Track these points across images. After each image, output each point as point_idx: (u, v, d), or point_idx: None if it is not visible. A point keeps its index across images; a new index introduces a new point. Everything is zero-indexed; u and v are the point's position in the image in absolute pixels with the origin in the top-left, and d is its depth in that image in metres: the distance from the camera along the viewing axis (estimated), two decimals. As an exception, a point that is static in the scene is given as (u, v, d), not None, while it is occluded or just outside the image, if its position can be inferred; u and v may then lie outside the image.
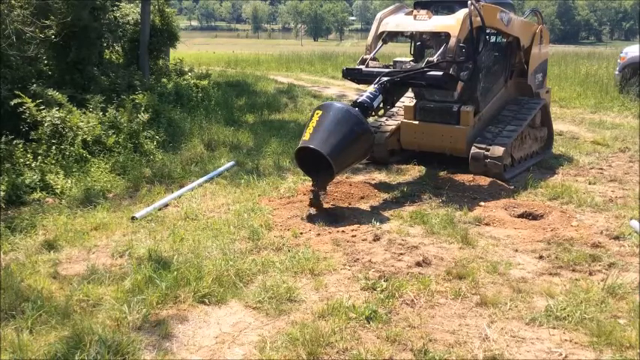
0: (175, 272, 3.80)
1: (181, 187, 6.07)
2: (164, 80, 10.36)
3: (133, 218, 5.05)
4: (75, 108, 7.04)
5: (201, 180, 6.23)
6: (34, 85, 7.07)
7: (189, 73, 11.77)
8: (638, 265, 4.12)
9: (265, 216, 5.11)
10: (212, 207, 5.43)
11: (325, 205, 5.47)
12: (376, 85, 5.84)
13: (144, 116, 7.48)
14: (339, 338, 3.10)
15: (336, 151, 5.11)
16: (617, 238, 4.66)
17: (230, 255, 4.17)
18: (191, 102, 10.18)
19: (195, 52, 27.48)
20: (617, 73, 13.08)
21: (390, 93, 6.04)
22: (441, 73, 5.72)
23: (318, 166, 5.30)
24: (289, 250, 4.36)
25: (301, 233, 4.76)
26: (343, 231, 4.81)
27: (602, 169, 6.95)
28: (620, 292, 3.64)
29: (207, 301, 3.56)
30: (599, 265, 4.13)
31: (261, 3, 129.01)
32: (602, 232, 4.77)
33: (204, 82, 11.48)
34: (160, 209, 5.34)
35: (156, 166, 6.70)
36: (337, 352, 3.00)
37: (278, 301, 3.55)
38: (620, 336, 3.11)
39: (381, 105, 5.97)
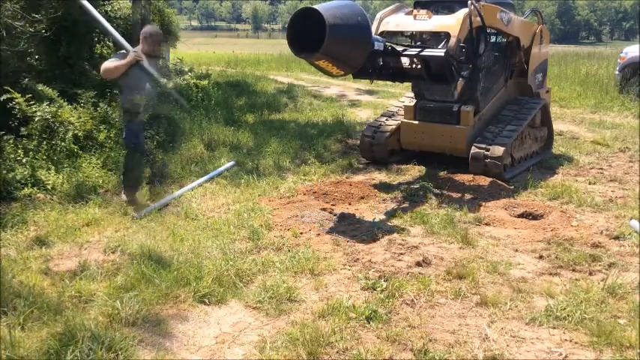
0: (175, 272, 3.80)
1: (181, 187, 6.06)
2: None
3: (133, 218, 5.04)
4: (66, 103, 6.98)
5: (201, 180, 6.22)
6: (25, 79, 7.01)
7: (189, 73, 11.77)
8: (639, 265, 4.12)
9: (265, 216, 5.11)
10: (212, 207, 5.43)
11: (325, 205, 5.47)
12: (380, 37, 5.81)
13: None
14: (339, 338, 3.10)
15: (335, 23, 4.65)
16: (617, 238, 4.65)
17: (230, 255, 4.17)
18: (191, 102, 10.17)
19: (196, 52, 27.50)
20: (617, 73, 13.09)
21: (388, 62, 5.97)
22: (443, 51, 5.69)
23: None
24: (289, 250, 4.35)
25: (301, 233, 4.76)
26: (343, 231, 4.80)
27: (602, 169, 6.95)
28: (620, 292, 3.64)
29: (207, 300, 3.56)
30: (599, 265, 4.12)
31: (261, 3, 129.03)
32: (602, 232, 4.77)
33: (204, 82, 11.47)
34: (159, 209, 5.33)
35: (155, 165, 6.68)
36: (337, 352, 3.00)
37: (278, 301, 3.54)
38: (620, 336, 3.11)
39: (380, 60, 5.87)
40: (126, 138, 5.59)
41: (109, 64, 5.29)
